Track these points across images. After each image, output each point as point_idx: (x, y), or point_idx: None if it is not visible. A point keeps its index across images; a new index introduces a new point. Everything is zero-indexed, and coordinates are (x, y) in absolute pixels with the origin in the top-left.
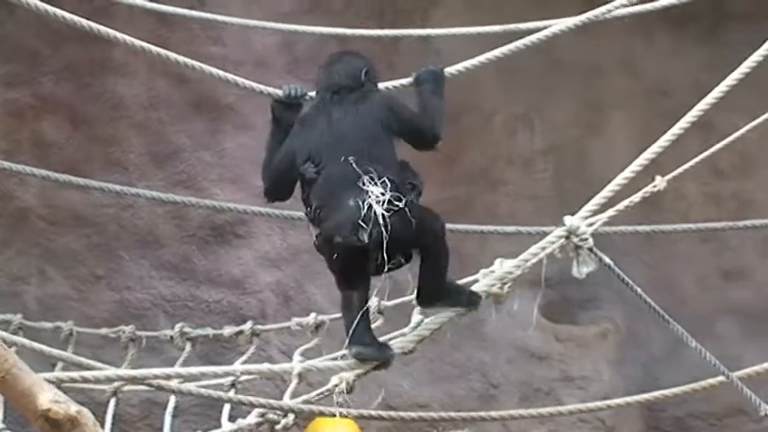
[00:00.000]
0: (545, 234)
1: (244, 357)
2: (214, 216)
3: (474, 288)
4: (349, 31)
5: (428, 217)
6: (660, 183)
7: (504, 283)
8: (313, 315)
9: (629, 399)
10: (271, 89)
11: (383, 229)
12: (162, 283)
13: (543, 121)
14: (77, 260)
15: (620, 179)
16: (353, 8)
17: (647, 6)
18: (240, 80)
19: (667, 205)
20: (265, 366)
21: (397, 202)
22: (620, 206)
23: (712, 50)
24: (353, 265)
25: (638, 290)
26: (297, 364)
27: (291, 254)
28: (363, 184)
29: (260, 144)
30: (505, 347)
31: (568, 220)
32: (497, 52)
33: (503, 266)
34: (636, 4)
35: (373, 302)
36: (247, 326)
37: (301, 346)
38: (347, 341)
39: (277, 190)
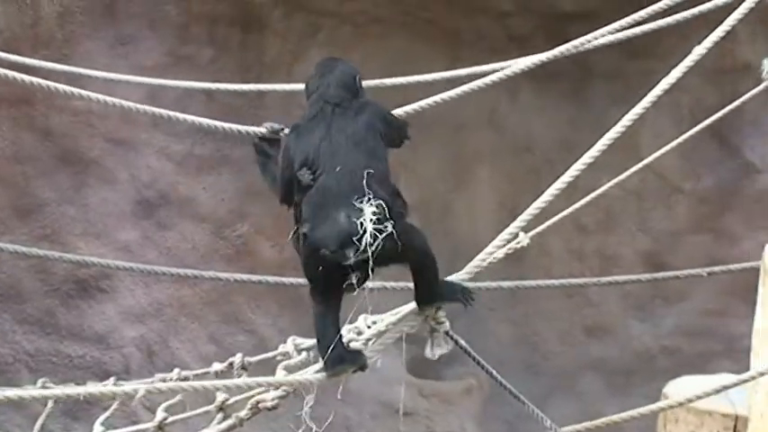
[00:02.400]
0: (409, 290)
1: (107, 413)
2: (78, 270)
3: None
4: (214, 86)
5: (413, 236)
6: (523, 239)
7: (368, 340)
8: (177, 370)
9: None
10: (252, 128)
11: (369, 249)
12: (25, 337)
13: (409, 176)
14: None
15: (484, 254)
16: (219, 62)
17: (520, 65)
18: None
19: (531, 261)
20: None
21: (386, 224)
22: (484, 262)
23: (576, 108)
24: (332, 279)
25: (493, 371)
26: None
27: (155, 309)
28: (358, 201)
29: (124, 198)
30: (370, 403)
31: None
32: (446, 95)
33: (366, 321)
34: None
35: (237, 358)
36: (110, 381)
37: (165, 402)
38: (324, 362)
39: (289, 195)
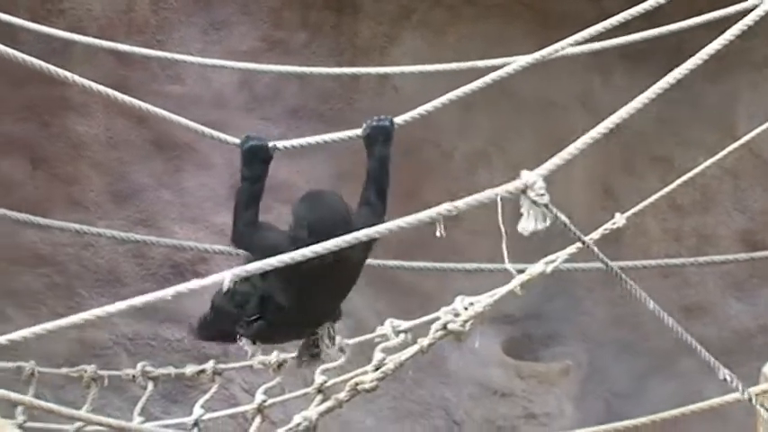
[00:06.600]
0: (505, 271)
1: (206, 396)
2: (175, 254)
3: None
4: (308, 70)
5: None
6: (620, 219)
7: (466, 321)
8: (275, 353)
9: (588, 430)
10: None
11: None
12: (123, 321)
13: (502, 157)
14: (38, 299)
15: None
16: (312, 46)
17: (596, 45)
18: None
19: (628, 241)
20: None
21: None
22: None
23: (670, 87)
24: None
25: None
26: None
27: None
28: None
29: (220, 183)
30: (468, 384)
31: (525, 174)
32: (452, 95)
33: (463, 302)
34: (588, 41)
35: (337, 340)
36: (209, 365)
37: (264, 385)
38: None
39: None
